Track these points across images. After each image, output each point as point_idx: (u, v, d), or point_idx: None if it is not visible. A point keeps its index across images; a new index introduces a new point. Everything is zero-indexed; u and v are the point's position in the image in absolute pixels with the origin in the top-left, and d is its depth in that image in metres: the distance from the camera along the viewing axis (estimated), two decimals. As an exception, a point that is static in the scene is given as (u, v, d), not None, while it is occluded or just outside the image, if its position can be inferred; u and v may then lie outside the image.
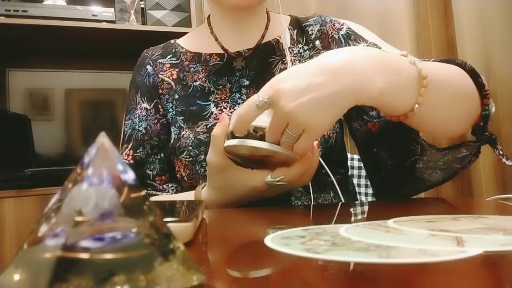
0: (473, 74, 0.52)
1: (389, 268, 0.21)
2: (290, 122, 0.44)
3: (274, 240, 0.28)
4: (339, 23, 0.76)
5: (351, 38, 0.74)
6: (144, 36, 1.56)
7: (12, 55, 1.68)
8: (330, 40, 0.75)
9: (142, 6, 1.62)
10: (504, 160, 0.51)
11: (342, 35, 0.74)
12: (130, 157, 0.72)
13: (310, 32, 0.77)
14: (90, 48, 1.70)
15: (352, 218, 0.44)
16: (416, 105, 0.46)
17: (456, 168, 0.58)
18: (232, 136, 0.50)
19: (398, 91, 0.46)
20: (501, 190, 1.75)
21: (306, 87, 0.43)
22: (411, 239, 0.27)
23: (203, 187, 0.57)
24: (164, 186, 0.73)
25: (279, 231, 0.31)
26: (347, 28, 0.75)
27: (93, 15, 1.52)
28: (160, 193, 0.72)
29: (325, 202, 0.68)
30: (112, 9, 1.57)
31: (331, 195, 0.69)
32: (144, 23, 1.60)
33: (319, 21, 0.77)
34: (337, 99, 0.44)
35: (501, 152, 0.52)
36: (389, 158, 0.66)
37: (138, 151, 0.73)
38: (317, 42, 0.76)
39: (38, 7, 1.49)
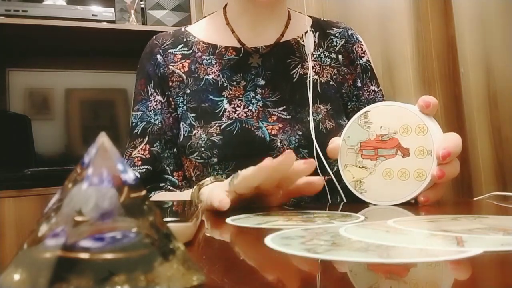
0: None
1: (389, 268, 0.21)
2: None
3: (274, 240, 0.28)
4: (362, 49, 0.78)
5: (367, 74, 0.76)
6: (144, 36, 1.54)
7: (12, 55, 1.68)
8: (353, 59, 0.76)
9: (142, 6, 1.62)
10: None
11: (361, 64, 0.76)
12: (147, 151, 0.70)
13: (335, 43, 0.77)
14: (90, 48, 1.70)
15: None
16: None
17: None
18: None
19: None
20: (501, 189, 1.75)
21: None
22: (411, 239, 0.27)
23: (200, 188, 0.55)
24: (183, 183, 0.71)
25: (279, 231, 0.31)
26: (367, 60, 0.77)
27: (93, 15, 1.52)
28: (177, 189, 0.70)
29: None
30: (112, 9, 1.57)
31: (338, 200, 0.68)
32: (144, 23, 1.60)
33: (344, 35, 0.77)
34: None
35: None
36: None
37: (155, 145, 0.70)
38: (340, 56, 0.76)
39: (38, 7, 1.49)
